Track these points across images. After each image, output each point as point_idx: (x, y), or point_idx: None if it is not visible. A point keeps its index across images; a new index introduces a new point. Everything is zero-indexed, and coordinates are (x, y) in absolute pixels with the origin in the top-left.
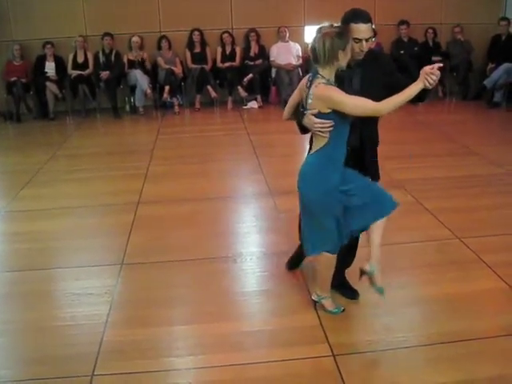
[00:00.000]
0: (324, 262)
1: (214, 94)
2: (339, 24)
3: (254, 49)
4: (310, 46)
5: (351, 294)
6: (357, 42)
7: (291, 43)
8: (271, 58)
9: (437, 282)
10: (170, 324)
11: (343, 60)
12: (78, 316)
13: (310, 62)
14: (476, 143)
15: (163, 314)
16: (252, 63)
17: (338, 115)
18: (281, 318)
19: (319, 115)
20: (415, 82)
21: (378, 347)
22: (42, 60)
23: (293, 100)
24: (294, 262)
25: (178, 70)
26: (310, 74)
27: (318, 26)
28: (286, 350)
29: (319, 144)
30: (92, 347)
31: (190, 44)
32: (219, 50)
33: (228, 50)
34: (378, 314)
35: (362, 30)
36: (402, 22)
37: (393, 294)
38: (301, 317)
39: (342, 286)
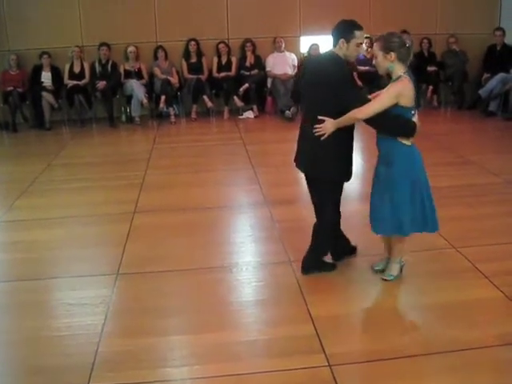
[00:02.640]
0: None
1: (210, 104)
2: (340, 31)
3: (250, 59)
4: (409, 48)
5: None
6: (358, 46)
7: (287, 53)
8: (267, 68)
9: (433, 292)
10: (166, 334)
11: None
12: (73, 326)
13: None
14: (472, 152)
15: (158, 324)
16: (248, 73)
17: None
18: (277, 328)
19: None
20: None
21: (374, 357)
22: (38, 70)
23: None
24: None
25: (174, 79)
26: (408, 77)
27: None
28: (282, 360)
29: None
30: (87, 357)
31: (186, 54)
32: (215, 60)
33: (224, 60)
34: (374, 324)
35: (363, 35)
36: (402, 33)
37: (388, 304)
38: (297, 326)
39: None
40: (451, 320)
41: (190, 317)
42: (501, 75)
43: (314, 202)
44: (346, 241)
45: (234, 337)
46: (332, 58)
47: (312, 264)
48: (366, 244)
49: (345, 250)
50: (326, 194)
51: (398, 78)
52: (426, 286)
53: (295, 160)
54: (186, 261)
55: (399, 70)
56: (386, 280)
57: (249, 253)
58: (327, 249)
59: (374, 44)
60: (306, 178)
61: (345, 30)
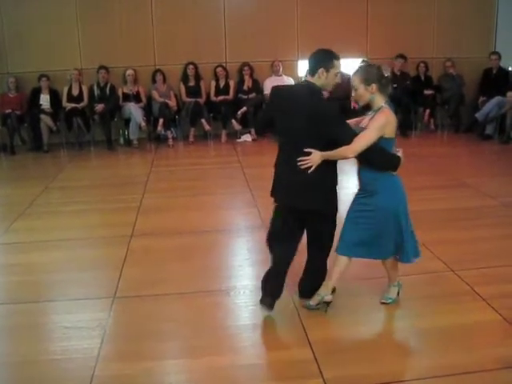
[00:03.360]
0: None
1: (207, 127)
2: (320, 60)
3: (248, 82)
4: (388, 78)
5: None
6: (336, 76)
7: (285, 77)
8: (265, 92)
9: (431, 315)
10: (162, 358)
11: None
12: (69, 350)
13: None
14: (469, 175)
15: (155, 347)
16: (246, 97)
17: None
18: (274, 352)
19: None
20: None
21: (372, 381)
22: (37, 92)
23: None
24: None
25: (172, 103)
26: (389, 107)
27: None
28: None
29: None
30: (83, 381)
31: (185, 77)
32: (213, 83)
33: (222, 83)
34: (372, 348)
35: (340, 65)
36: (400, 57)
37: (387, 327)
38: (294, 351)
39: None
40: (450, 343)
41: (187, 341)
42: (497, 99)
43: (316, 244)
44: None
45: (232, 361)
46: (314, 90)
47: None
48: (363, 268)
49: None
50: (331, 227)
51: (379, 108)
52: (424, 309)
53: (276, 194)
54: (184, 284)
55: (380, 101)
56: (384, 303)
57: (246, 276)
58: None
59: (353, 77)
60: (293, 212)
61: (324, 59)
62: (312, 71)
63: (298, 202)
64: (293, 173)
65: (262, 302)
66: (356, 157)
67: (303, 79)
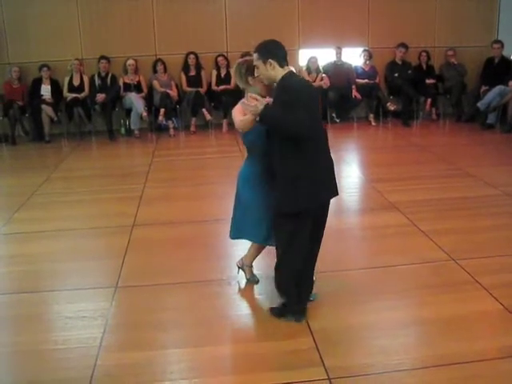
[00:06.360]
0: None
1: (208, 117)
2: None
3: None
4: None
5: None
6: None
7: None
8: None
9: (432, 304)
10: (164, 347)
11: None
12: (71, 339)
13: None
14: (470, 165)
15: (157, 337)
16: None
17: None
18: (276, 342)
19: None
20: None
21: (374, 370)
22: (38, 83)
23: None
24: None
25: (173, 92)
26: None
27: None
28: (281, 374)
29: None
30: (85, 371)
31: (186, 67)
32: (214, 73)
33: (223, 73)
34: (374, 337)
35: None
36: (401, 45)
37: (388, 317)
38: (296, 340)
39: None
40: (452, 333)
41: (188, 330)
42: (499, 88)
43: (321, 236)
44: None
45: (233, 350)
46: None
47: None
48: (363, 258)
49: None
50: None
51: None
52: (425, 298)
53: (329, 190)
54: (185, 274)
55: None
56: None
57: None
58: None
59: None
60: (324, 209)
61: None
62: (286, 60)
63: (335, 193)
64: (330, 166)
65: (300, 317)
66: None
67: (290, 69)
